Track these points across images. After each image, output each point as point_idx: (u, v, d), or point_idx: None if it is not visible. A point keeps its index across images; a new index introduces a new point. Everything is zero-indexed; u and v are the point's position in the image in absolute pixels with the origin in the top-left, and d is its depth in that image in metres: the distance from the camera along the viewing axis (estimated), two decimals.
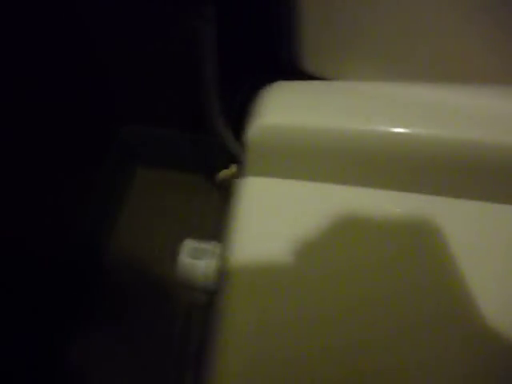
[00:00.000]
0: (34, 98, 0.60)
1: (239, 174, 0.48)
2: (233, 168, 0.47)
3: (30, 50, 0.58)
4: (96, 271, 0.81)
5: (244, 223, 0.24)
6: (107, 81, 0.83)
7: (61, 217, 0.73)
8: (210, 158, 0.98)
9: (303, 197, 0.25)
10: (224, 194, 0.69)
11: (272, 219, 0.24)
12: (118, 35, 0.74)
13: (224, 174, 0.51)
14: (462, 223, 0.26)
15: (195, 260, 0.36)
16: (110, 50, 0.77)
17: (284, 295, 0.23)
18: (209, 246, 0.38)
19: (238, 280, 0.23)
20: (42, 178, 0.67)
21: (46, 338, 0.70)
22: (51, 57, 0.63)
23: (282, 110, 0.29)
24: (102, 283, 0.79)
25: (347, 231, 0.24)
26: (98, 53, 0.77)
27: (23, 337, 0.63)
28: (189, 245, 0.38)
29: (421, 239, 0.25)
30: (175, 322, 0.74)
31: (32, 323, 0.65)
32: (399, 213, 0.26)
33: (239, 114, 0.69)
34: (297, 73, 0.33)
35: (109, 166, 0.88)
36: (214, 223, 0.94)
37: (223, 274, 0.24)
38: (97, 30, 0.73)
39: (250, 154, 0.28)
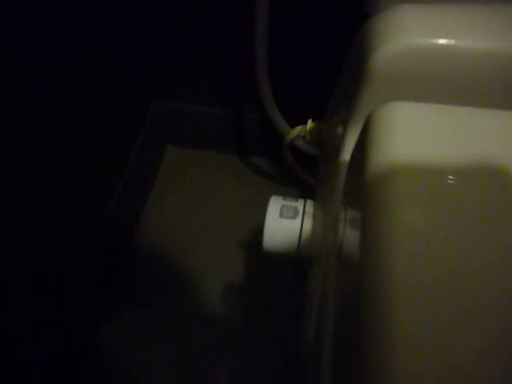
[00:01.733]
0: (64, 72, 0.56)
1: (327, 124, 0.42)
2: (309, 123, 0.42)
3: (62, 23, 0.54)
4: (126, 251, 0.78)
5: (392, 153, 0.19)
6: (140, 56, 0.79)
7: (91, 196, 0.69)
8: (242, 136, 0.93)
9: (451, 123, 0.20)
10: (294, 158, 0.64)
11: (421, 147, 0.19)
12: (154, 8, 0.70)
13: (296, 131, 0.45)
14: None
15: (288, 219, 0.31)
16: (146, 22, 0.73)
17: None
18: (299, 204, 0.33)
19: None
20: (73, 152, 0.63)
21: (78, 319, 0.66)
22: (83, 31, 0.59)
23: (417, 28, 0.24)
24: (131, 264, 0.75)
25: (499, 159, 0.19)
26: (134, 27, 0.73)
27: (54, 319, 0.59)
28: (277, 202, 0.33)
29: None
30: (207, 304, 0.70)
31: (64, 305, 0.61)
32: None
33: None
34: None
35: (140, 142, 0.83)
36: (247, 203, 0.90)
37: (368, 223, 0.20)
38: (134, 3, 0.69)
39: (377, 80, 0.24)
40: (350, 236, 0.24)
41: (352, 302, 0.20)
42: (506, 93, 0.24)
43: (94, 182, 0.68)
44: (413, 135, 0.20)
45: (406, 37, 0.24)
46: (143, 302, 0.72)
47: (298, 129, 0.46)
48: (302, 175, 0.64)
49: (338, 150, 0.29)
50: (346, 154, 0.28)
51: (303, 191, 0.81)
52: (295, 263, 0.65)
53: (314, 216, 0.31)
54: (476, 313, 0.18)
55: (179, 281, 0.75)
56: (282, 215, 0.31)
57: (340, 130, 0.31)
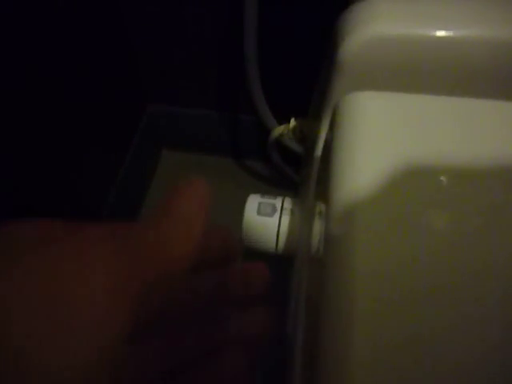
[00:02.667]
0: (59, 76, 0.57)
1: (308, 122, 0.42)
2: (292, 122, 0.42)
3: (60, 27, 0.55)
4: None
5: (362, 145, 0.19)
6: (137, 61, 0.80)
7: (85, 200, 0.69)
8: (238, 139, 0.93)
9: (421, 112, 0.20)
10: (280, 154, 0.64)
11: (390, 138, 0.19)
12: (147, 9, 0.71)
13: (280, 129, 0.45)
14: None
15: (265, 217, 0.31)
16: (139, 25, 0.74)
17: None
18: (277, 202, 0.33)
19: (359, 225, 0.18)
20: (68, 155, 0.63)
21: None
22: (80, 35, 0.60)
23: (386, 18, 0.24)
24: None
25: (473, 146, 0.19)
26: (127, 30, 0.73)
27: None
28: (255, 200, 0.33)
29: None
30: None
31: None
32: None
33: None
34: None
35: (135, 146, 0.84)
36: (243, 206, 0.90)
37: (331, 219, 0.19)
38: (126, 5, 0.69)
39: (346, 70, 0.23)
40: (319, 232, 0.24)
41: (316, 297, 0.20)
42: (474, 81, 0.24)
43: (89, 186, 0.69)
44: (378, 123, 0.20)
45: (375, 26, 0.24)
46: None
47: (282, 127, 0.46)
48: (289, 174, 0.64)
49: (314, 145, 0.29)
50: (319, 150, 0.28)
51: (294, 192, 0.81)
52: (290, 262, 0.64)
53: (292, 213, 0.31)
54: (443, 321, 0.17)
55: None
56: (259, 212, 0.30)
57: (316, 125, 0.31)
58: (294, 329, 0.24)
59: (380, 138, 0.20)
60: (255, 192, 0.92)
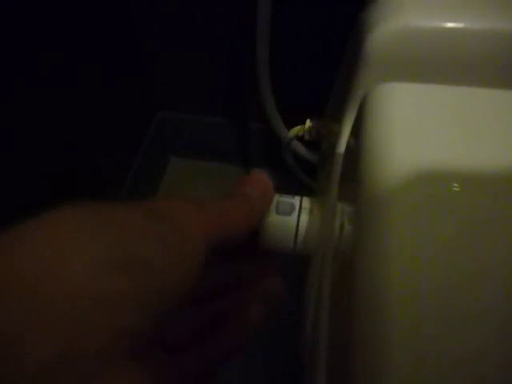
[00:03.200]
0: (68, 81, 0.56)
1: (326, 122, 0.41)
2: (308, 122, 0.41)
3: (71, 30, 0.55)
4: None
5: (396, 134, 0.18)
6: (147, 67, 0.80)
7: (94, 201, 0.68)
8: (246, 147, 0.92)
9: (456, 103, 0.19)
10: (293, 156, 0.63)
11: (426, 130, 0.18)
12: (158, 15, 0.71)
13: (296, 130, 0.44)
14: None
15: (283, 216, 0.30)
16: (151, 31, 0.74)
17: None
18: (295, 200, 0.31)
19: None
20: (77, 159, 0.62)
21: None
22: (92, 39, 0.59)
23: (416, 9, 0.23)
24: None
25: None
26: (139, 35, 0.73)
27: None
28: (273, 199, 0.32)
29: None
30: None
31: None
32: None
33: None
34: None
35: (143, 152, 0.83)
36: None
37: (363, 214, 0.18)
38: (137, 9, 0.70)
39: (374, 61, 0.22)
40: (345, 232, 0.22)
41: (346, 300, 0.19)
42: (506, 72, 0.23)
43: (96, 193, 0.68)
44: (413, 114, 0.19)
45: (403, 17, 0.23)
46: None
47: (297, 128, 0.45)
48: (302, 178, 0.64)
49: (334, 143, 0.28)
50: (343, 146, 0.26)
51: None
52: (296, 262, 0.63)
53: (311, 212, 0.30)
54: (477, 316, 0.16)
55: None
56: (278, 212, 0.29)
57: (337, 124, 0.30)
58: (315, 338, 0.22)
59: (416, 128, 0.19)
60: None
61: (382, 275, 0.17)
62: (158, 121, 0.87)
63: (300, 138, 0.45)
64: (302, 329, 0.27)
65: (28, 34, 0.46)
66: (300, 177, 0.63)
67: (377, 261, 0.18)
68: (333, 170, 0.26)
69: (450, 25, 0.23)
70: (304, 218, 0.29)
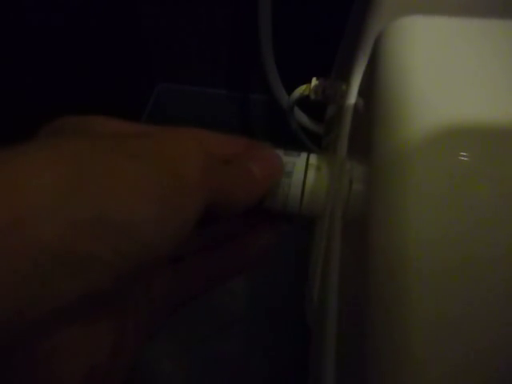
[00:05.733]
0: (68, 56, 0.54)
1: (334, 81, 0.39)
2: (314, 81, 0.38)
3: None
4: None
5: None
6: (145, 38, 0.77)
7: None
8: (248, 119, 0.90)
9: (478, 35, 0.16)
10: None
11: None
12: None
13: (301, 89, 0.42)
14: None
15: (288, 177, 0.28)
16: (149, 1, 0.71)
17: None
18: (302, 158, 0.29)
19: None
20: None
21: None
22: (89, 12, 0.57)
23: None
24: None
25: None
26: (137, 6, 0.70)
27: None
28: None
29: None
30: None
31: None
32: None
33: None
34: None
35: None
36: None
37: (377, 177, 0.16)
38: None
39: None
40: (356, 190, 0.20)
41: (359, 265, 0.17)
42: None
43: None
44: (439, 55, 0.16)
45: None
46: None
47: (303, 87, 0.43)
48: (306, 143, 0.62)
49: (343, 97, 0.26)
50: (353, 98, 0.24)
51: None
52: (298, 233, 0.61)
53: (319, 169, 0.28)
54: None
55: None
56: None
57: (345, 82, 0.27)
58: (323, 300, 0.21)
59: (445, 72, 0.16)
60: None
61: (400, 227, 0.15)
62: (157, 92, 0.85)
63: (304, 100, 0.43)
64: (309, 290, 0.25)
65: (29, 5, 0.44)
66: (304, 142, 0.62)
67: (395, 214, 0.16)
68: (341, 124, 0.24)
69: None
70: (311, 175, 0.27)
